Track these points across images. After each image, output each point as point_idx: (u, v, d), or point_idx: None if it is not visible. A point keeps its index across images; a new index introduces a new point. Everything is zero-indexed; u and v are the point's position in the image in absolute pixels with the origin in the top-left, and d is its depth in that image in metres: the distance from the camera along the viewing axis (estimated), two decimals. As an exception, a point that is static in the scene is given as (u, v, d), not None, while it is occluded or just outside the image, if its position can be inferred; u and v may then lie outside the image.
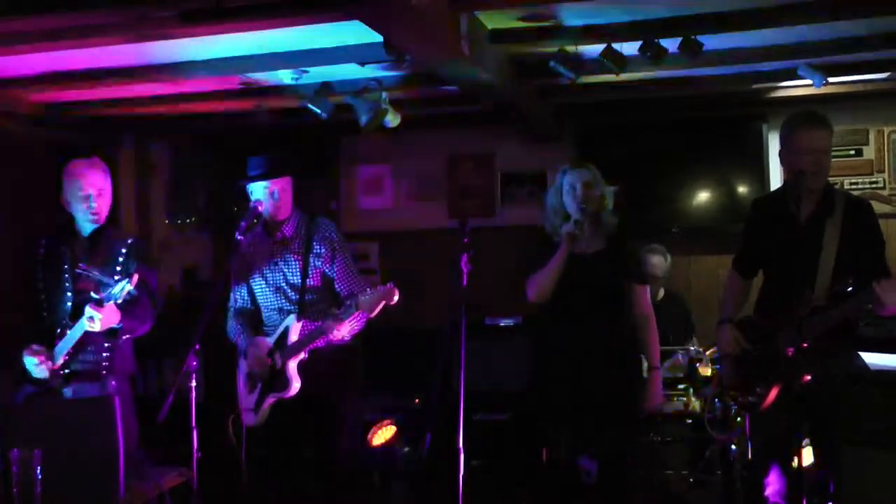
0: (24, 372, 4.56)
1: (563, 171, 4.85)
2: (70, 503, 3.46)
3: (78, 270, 4.53)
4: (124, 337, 4.66)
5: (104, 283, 4.35)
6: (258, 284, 4.94)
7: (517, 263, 5.06)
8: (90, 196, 4.66)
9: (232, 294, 5.02)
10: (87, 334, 4.46)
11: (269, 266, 4.90)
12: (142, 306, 4.63)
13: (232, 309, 5.03)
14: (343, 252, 4.95)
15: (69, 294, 4.63)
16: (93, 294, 4.32)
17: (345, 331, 4.66)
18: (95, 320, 4.32)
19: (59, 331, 4.58)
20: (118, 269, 4.60)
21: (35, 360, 4.49)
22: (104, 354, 4.63)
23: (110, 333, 4.56)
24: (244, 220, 4.69)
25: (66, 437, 3.58)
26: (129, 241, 4.77)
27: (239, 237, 4.67)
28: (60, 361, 4.53)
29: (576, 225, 4.63)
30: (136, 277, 4.29)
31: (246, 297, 4.97)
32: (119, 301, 4.32)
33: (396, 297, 4.52)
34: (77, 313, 4.49)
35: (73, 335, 4.47)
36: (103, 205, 4.73)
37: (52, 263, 4.70)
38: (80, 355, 4.58)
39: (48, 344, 4.55)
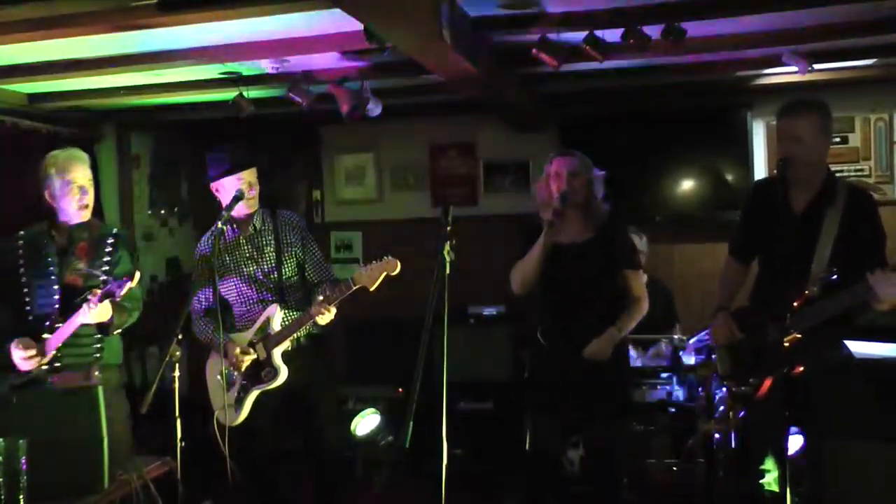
0: (7, 364, 4.49)
1: (550, 160, 4.83)
2: (55, 492, 3.47)
3: (83, 268, 4.52)
4: (116, 332, 4.63)
5: (104, 278, 4.36)
6: (232, 282, 4.94)
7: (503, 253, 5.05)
8: (82, 188, 4.62)
9: (195, 298, 4.96)
10: (79, 328, 4.43)
11: (243, 261, 4.92)
12: (132, 300, 4.62)
13: (197, 312, 4.99)
14: (311, 239, 5.04)
15: (56, 287, 4.57)
16: (98, 289, 4.27)
17: (332, 314, 4.68)
18: (94, 315, 4.31)
19: (47, 324, 4.50)
20: (106, 260, 4.58)
21: (24, 353, 4.41)
22: (95, 346, 4.61)
23: (102, 327, 4.53)
24: (225, 210, 4.70)
25: (51, 427, 3.59)
26: (115, 232, 4.74)
27: (224, 226, 4.69)
28: (51, 356, 4.47)
29: (554, 214, 4.60)
30: (137, 275, 4.30)
31: (210, 298, 4.90)
32: (119, 298, 4.31)
33: (398, 268, 4.56)
34: (66, 307, 4.46)
35: (68, 329, 4.41)
36: (92, 196, 4.70)
37: (36, 258, 4.63)
38: (70, 349, 4.52)
39: (34, 338, 4.48)
